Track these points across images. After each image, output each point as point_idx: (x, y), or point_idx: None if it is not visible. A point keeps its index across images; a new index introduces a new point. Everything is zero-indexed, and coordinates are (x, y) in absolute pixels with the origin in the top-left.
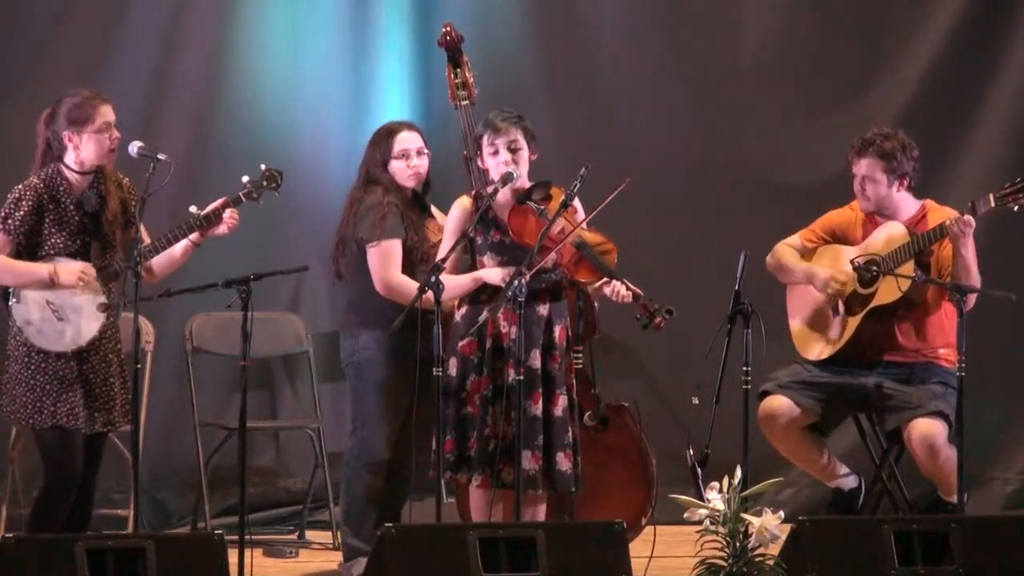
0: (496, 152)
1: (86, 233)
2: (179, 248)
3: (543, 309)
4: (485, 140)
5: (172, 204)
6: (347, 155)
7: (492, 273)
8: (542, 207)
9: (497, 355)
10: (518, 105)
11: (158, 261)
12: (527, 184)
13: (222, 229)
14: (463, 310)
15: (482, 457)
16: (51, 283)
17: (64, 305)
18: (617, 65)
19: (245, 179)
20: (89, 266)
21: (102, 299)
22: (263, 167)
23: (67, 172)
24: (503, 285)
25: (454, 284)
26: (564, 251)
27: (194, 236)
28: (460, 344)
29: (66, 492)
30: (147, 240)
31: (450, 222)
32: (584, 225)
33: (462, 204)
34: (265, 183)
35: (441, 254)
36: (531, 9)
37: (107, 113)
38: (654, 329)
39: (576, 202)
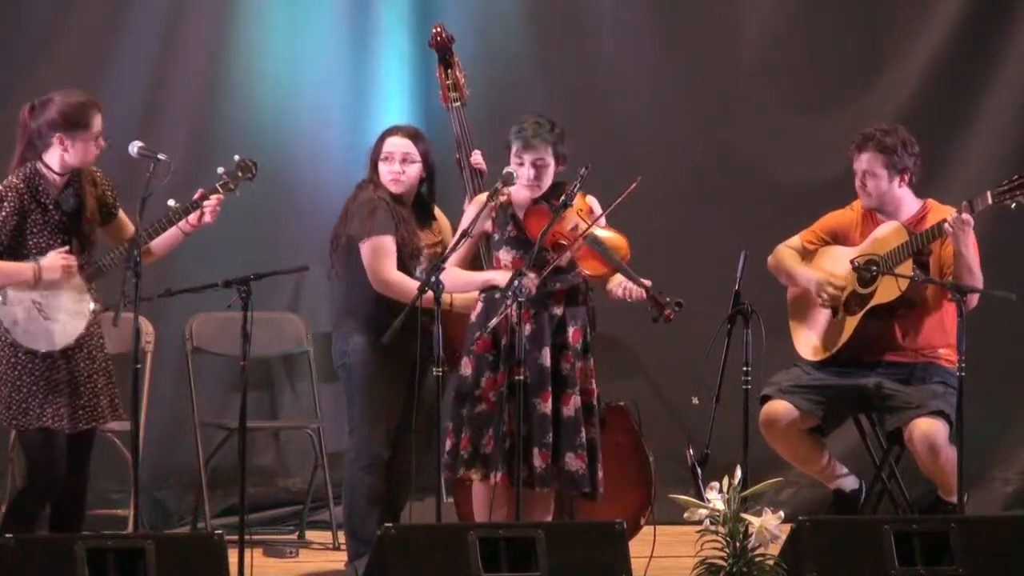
0: (522, 165)
1: (66, 232)
2: (175, 232)
3: (558, 309)
4: (513, 147)
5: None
6: (347, 155)
7: (502, 276)
8: (557, 207)
9: (512, 353)
10: (518, 105)
11: (159, 242)
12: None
13: (207, 219)
14: (478, 308)
15: (501, 454)
16: (36, 280)
17: (50, 304)
18: (617, 65)
19: (220, 170)
20: (67, 253)
21: (87, 297)
22: (236, 157)
23: (46, 172)
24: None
25: (463, 279)
26: (575, 246)
27: (184, 226)
28: (474, 343)
29: (47, 493)
30: (131, 231)
31: (464, 218)
32: (602, 222)
33: (478, 200)
34: (240, 173)
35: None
36: (531, 9)
37: (100, 122)
38: (664, 321)
39: (593, 201)
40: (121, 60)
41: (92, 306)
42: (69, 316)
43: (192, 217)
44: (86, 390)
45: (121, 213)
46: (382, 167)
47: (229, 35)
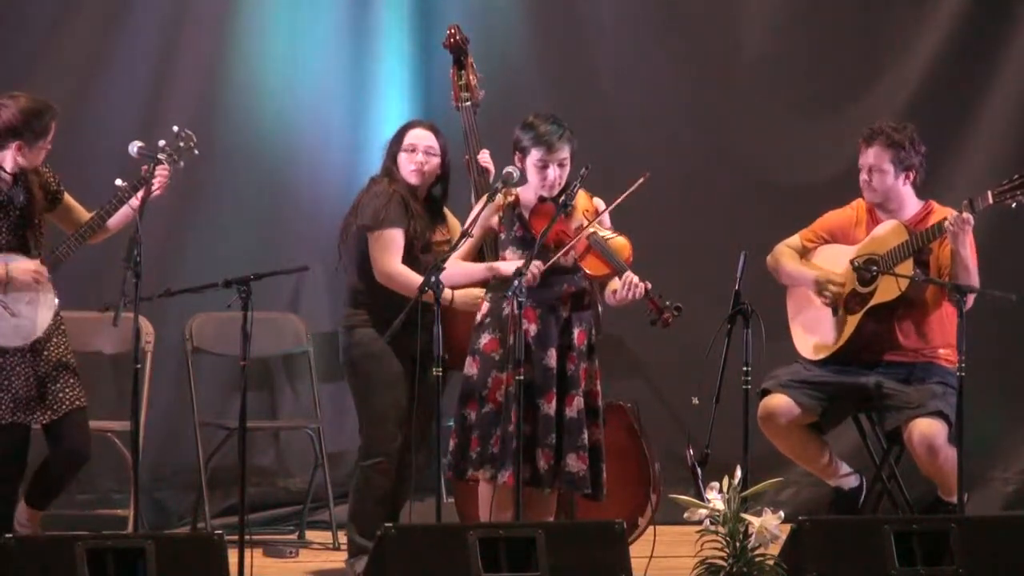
0: (545, 167)
1: (22, 227)
2: (126, 209)
3: (564, 311)
4: (534, 153)
5: (172, 203)
6: (347, 155)
7: (508, 266)
8: (560, 206)
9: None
10: (518, 105)
11: (111, 221)
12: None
13: (155, 192)
14: (484, 308)
15: (509, 454)
16: (3, 283)
17: (15, 301)
18: (617, 65)
19: (161, 143)
20: (40, 264)
21: (51, 288)
22: (175, 128)
23: None
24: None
25: (465, 271)
26: (578, 244)
27: (134, 202)
28: (482, 343)
29: (14, 483)
30: (86, 217)
31: (471, 216)
32: (605, 220)
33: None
34: (181, 144)
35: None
36: (531, 9)
37: (54, 126)
38: (662, 325)
39: (599, 202)
40: (121, 60)
41: (56, 300)
42: (36, 309)
43: (140, 192)
44: (59, 375)
45: (67, 196)
46: (403, 158)
47: (229, 35)
